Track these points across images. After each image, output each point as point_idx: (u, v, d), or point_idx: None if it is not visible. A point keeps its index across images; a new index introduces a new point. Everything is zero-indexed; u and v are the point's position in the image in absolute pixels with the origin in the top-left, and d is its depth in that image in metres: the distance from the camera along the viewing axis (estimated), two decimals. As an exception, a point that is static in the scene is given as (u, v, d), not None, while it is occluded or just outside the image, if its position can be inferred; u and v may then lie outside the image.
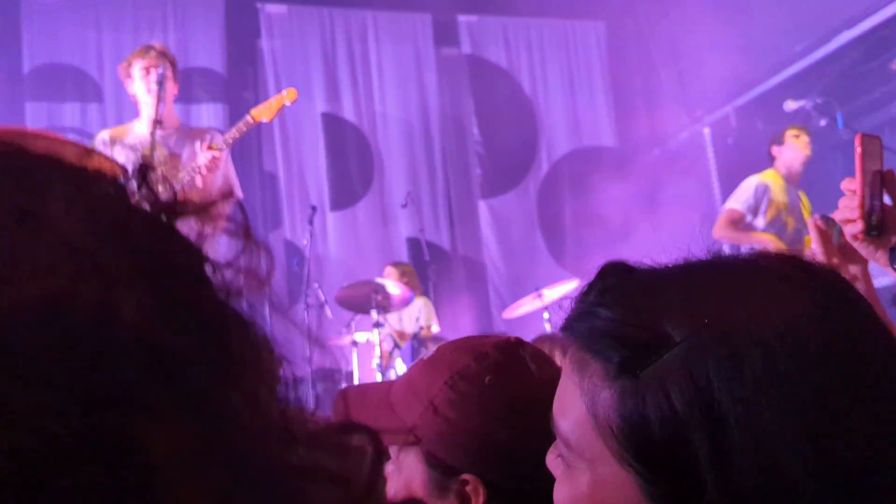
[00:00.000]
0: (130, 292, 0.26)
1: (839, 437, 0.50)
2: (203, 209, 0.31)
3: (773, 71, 5.81)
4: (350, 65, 6.36)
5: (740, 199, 4.45)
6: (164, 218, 0.31)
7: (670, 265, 0.60)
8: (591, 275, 0.61)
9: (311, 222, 4.65)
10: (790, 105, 4.50)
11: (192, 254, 0.31)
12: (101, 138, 3.66)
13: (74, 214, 0.27)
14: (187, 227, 0.31)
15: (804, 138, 4.47)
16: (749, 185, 4.46)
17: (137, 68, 3.48)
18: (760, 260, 0.59)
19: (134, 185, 0.31)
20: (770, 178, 4.46)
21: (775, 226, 4.39)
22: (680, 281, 0.58)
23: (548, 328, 4.41)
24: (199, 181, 3.31)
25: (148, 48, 3.53)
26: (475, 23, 6.67)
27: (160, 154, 3.33)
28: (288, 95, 3.44)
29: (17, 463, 0.22)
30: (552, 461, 0.63)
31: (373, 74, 6.40)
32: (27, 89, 5.71)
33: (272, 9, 6.20)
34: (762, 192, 4.41)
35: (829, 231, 1.19)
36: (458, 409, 0.86)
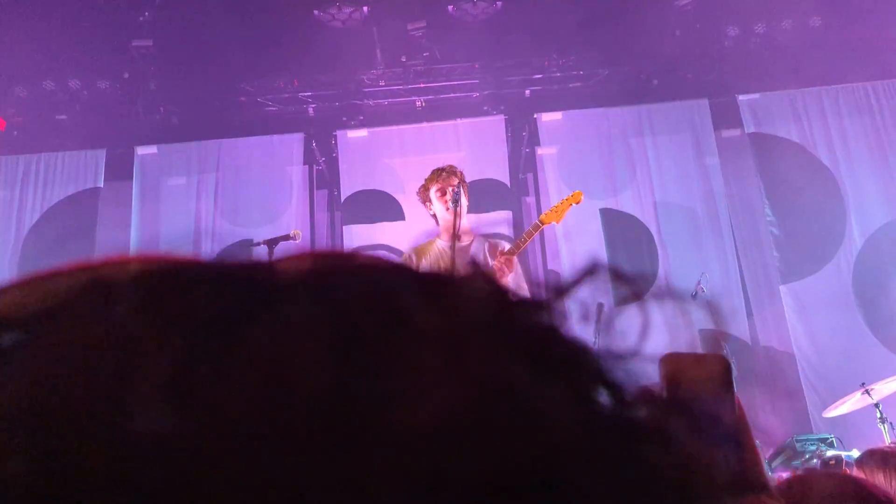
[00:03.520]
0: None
1: None
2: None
3: None
4: (627, 159, 6.38)
5: None
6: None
7: None
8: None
9: (597, 320, 4.63)
10: None
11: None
12: (406, 255, 4.06)
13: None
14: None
15: None
16: None
17: (433, 190, 3.84)
18: None
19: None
20: None
21: None
22: None
23: (883, 431, 3.79)
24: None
25: (440, 171, 3.88)
26: (757, 100, 6.34)
27: (459, 264, 3.60)
28: (574, 198, 3.54)
29: None
30: None
31: (651, 165, 6.34)
32: (344, 214, 6.61)
33: (548, 117, 6.52)
34: None
35: None
36: None
